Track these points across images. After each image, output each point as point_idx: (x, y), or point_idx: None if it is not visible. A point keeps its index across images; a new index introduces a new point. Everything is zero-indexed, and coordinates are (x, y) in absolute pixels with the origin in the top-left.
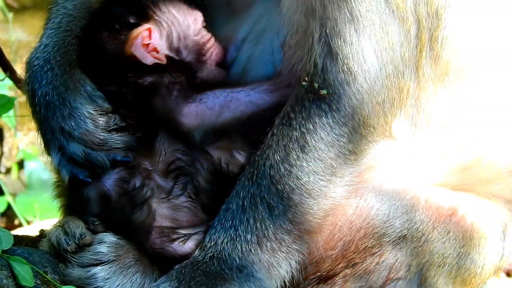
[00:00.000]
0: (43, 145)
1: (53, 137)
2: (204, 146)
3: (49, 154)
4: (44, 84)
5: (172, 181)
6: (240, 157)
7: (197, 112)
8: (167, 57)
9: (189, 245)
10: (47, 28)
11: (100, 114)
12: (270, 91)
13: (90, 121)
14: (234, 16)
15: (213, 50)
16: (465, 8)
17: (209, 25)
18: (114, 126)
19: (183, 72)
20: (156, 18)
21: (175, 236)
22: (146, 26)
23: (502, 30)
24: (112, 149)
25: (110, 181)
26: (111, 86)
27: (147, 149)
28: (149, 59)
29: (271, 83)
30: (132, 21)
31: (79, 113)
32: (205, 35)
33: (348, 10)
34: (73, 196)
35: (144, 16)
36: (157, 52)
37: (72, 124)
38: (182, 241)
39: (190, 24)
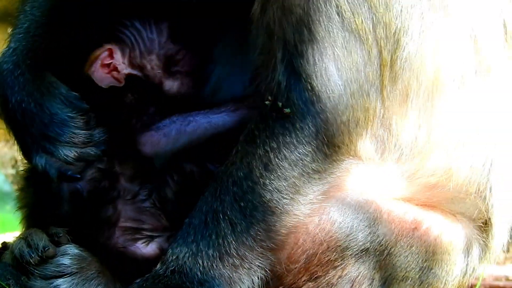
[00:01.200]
0: (21, 151)
1: (34, 144)
2: (176, 159)
3: (29, 159)
4: (17, 90)
5: (138, 186)
6: (213, 169)
7: (152, 141)
8: (130, 75)
9: (152, 247)
10: (15, 33)
11: (79, 114)
12: (230, 111)
13: (73, 124)
14: (208, 35)
15: (183, 61)
16: (423, 31)
17: (182, 33)
18: (94, 124)
19: (147, 89)
20: (119, 34)
21: (138, 236)
22: (106, 46)
23: (460, 52)
24: (99, 142)
25: (83, 181)
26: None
27: (119, 152)
28: (106, 82)
29: (232, 104)
30: (95, 38)
31: (60, 119)
32: (173, 48)
33: (307, 30)
34: (44, 197)
35: (107, 32)
36: (118, 72)
37: (56, 130)
38: (144, 242)
39: (155, 38)
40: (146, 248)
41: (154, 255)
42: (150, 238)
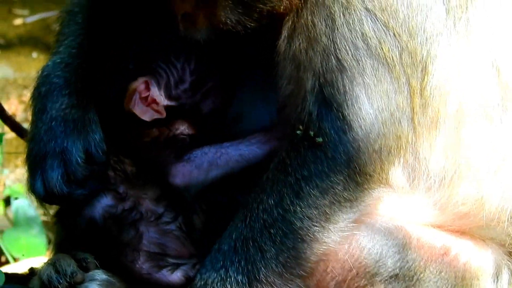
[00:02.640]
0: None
1: (39, 160)
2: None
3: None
4: (58, 107)
5: (163, 208)
6: (242, 200)
7: (184, 173)
8: (168, 107)
9: (177, 275)
10: (66, 45)
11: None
12: (261, 143)
13: (73, 169)
14: (231, 64)
15: (213, 76)
16: (449, 59)
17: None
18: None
19: (186, 118)
20: (153, 67)
21: (163, 263)
22: (142, 79)
23: (484, 81)
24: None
25: (97, 208)
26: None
27: (142, 179)
28: (148, 115)
29: (263, 136)
30: (131, 70)
31: (68, 158)
32: (201, 69)
33: (334, 59)
34: (66, 227)
35: (142, 65)
36: (157, 104)
37: (54, 163)
38: (170, 269)
39: (185, 66)
40: (172, 276)
41: (180, 283)
42: (176, 266)
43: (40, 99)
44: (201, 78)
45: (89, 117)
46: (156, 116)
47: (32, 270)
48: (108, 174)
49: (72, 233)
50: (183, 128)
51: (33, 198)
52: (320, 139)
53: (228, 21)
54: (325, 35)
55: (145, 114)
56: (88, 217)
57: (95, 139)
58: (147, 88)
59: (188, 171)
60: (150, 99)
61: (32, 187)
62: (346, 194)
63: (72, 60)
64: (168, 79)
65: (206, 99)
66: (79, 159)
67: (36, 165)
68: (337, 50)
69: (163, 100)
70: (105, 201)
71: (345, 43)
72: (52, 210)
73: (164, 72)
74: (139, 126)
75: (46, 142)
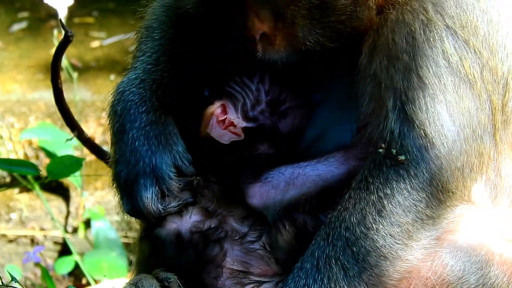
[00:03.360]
0: (113, 180)
1: (127, 182)
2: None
3: (120, 190)
4: (137, 126)
5: (247, 227)
6: (325, 219)
7: (261, 193)
8: (245, 129)
9: None
10: (142, 61)
11: (179, 177)
12: (339, 162)
13: (166, 184)
14: (309, 83)
15: (289, 96)
16: None
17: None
18: (187, 187)
19: (264, 138)
20: (229, 90)
21: (246, 281)
22: (219, 102)
23: None
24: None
25: (185, 223)
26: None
27: (227, 197)
28: (226, 137)
29: (341, 155)
30: (206, 95)
31: (160, 175)
32: (277, 89)
33: (415, 77)
34: (149, 241)
35: (217, 91)
36: (234, 126)
37: (147, 183)
38: (252, 287)
39: (260, 87)
40: None
41: None
42: (258, 284)
43: (118, 118)
44: (277, 98)
45: (169, 131)
46: (234, 138)
47: None
48: (196, 190)
49: (157, 248)
50: (263, 148)
51: (126, 218)
52: (402, 157)
53: (307, 42)
54: (406, 53)
55: (223, 137)
56: (175, 231)
57: (179, 151)
58: (224, 112)
59: (265, 192)
60: (228, 122)
61: (127, 208)
62: (428, 212)
63: (147, 76)
64: (244, 101)
65: (284, 119)
66: (170, 173)
67: (128, 187)
68: (418, 67)
69: (240, 122)
70: (193, 217)
71: (426, 60)
72: (133, 232)
73: (240, 95)
74: (218, 147)
75: (134, 164)
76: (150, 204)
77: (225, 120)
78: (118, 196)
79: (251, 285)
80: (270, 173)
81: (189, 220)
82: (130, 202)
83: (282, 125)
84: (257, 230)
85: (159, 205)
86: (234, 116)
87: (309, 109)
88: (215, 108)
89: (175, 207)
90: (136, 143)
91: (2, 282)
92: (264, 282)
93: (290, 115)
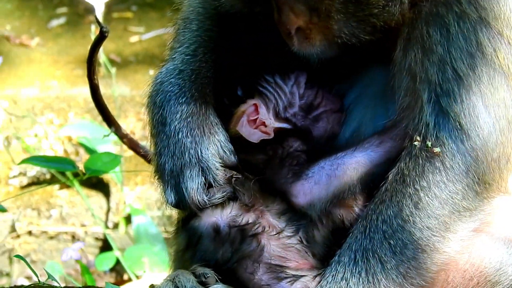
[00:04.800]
0: (156, 173)
1: (172, 174)
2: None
3: (164, 182)
4: (178, 118)
5: (284, 223)
6: (361, 213)
7: (304, 191)
8: (277, 129)
9: (297, 286)
10: (180, 52)
11: (224, 167)
12: (375, 145)
13: (213, 175)
14: (344, 78)
15: (323, 101)
16: None
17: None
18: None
19: (297, 137)
20: (261, 89)
21: (283, 275)
22: (251, 102)
23: None
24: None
25: (224, 217)
26: None
27: (264, 193)
28: (256, 136)
29: (376, 138)
30: (239, 95)
31: (206, 166)
32: (311, 93)
33: (450, 69)
34: (186, 234)
35: (250, 89)
36: (265, 126)
37: (193, 174)
38: (289, 281)
39: (294, 90)
40: None
41: None
42: (295, 278)
43: (158, 110)
44: (311, 102)
45: (211, 121)
46: (264, 137)
47: (152, 286)
48: (235, 184)
49: (193, 241)
50: (296, 145)
51: (168, 210)
52: (438, 149)
53: (342, 35)
54: (440, 45)
55: (253, 136)
56: (213, 225)
57: (221, 141)
58: (256, 111)
59: (308, 189)
60: (259, 122)
61: (171, 200)
62: (465, 204)
63: (186, 67)
64: (276, 102)
65: (317, 123)
66: (216, 163)
67: (173, 178)
68: (453, 59)
69: (272, 123)
70: (232, 211)
71: (460, 52)
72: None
73: (272, 95)
74: (251, 145)
75: (179, 155)
76: (195, 194)
77: (256, 120)
78: (161, 187)
79: (288, 279)
80: (310, 169)
81: (227, 214)
82: (174, 193)
83: (315, 129)
84: (293, 225)
85: (204, 196)
86: (265, 116)
87: (342, 114)
88: (247, 107)
89: (219, 198)
90: (180, 135)
91: (39, 280)
92: (301, 276)
93: (323, 120)
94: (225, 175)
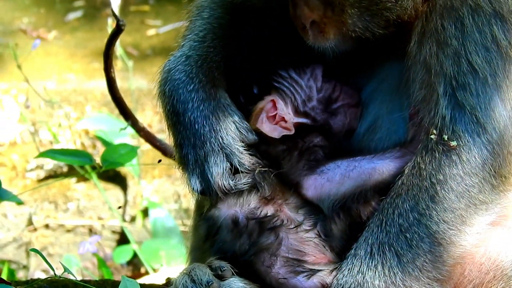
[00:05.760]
0: (180, 166)
1: (196, 165)
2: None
3: (187, 178)
4: (191, 108)
5: (302, 216)
6: (378, 207)
7: (316, 186)
8: (297, 124)
9: (314, 281)
10: (189, 39)
11: (246, 149)
12: (395, 157)
13: (238, 158)
14: (360, 73)
15: (341, 95)
16: None
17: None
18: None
19: (317, 132)
20: (278, 86)
21: (300, 269)
22: (269, 98)
23: None
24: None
25: (243, 209)
26: None
27: (283, 186)
28: (277, 132)
29: (397, 150)
30: (255, 92)
31: (229, 151)
32: (329, 87)
33: (465, 62)
34: (206, 224)
35: (266, 86)
36: (285, 121)
37: (217, 160)
38: (306, 275)
39: (312, 84)
40: (308, 282)
41: None
42: (312, 272)
43: (168, 100)
44: (329, 96)
45: (223, 104)
46: (285, 132)
47: (169, 280)
48: (255, 177)
49: (212, 231)
50: (317, 140)
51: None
52: (454, 143)
53: (356, 28)
54: (455, 38)
55: (274, 132)
56: (232, 216)
57: (236, 121)
58: (274, 107)
59: (320, 184)
60: (279, 118)
61: (196, 187)
62: (481, 197)
63: (193, 53)
64: (294, 97)
65: (335, 117)
66: (239, 147)
67: (198, 167)
68: (468, 52)
69: (291, 118)
70: (251, 203)
71: (475, 46)
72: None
73: (289, 90)
74: (271, 140)
75: (201, 145)
76: (221, 179)
77: (275, 116)
78: (186, 176)
79: (305, 274)
80: (326, 166)
81: (247, 206)
82: (200, 180)
83: (334, 122)
84: (311, 219)
85: (230, 181)
86: (284, 112)
87: (359, 109)
88: (265, 104)
89: (245, 184)
90: (196, 126)
91: (54, 274)
92: (318, 270)
93: (341, 114)
94: (250, 159)
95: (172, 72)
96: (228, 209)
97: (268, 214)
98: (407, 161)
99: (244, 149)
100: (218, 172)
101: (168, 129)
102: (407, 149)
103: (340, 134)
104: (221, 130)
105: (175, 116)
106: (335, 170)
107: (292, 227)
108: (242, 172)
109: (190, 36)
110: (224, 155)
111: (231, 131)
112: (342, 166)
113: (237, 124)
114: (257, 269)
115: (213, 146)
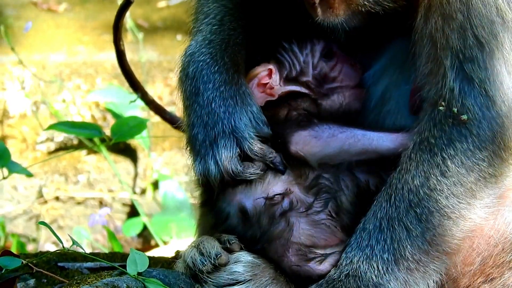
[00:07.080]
0: (188, 143)
1: (203, 144)
2: (351, 169)
3: (196, 153)
4: (211, 88)
5: (313, 197)
6: (386, 177)
7: (303, 141)
8: (286, 92)
9: (325, 265)
10: (207, 23)
11: (258, 138)
12: (390, 134)
13: (248, 145)
14: (368, 50)
15: (339, 76)
16: None
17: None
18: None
19: (307, 99)
20: (279, 56)
21: (312, 255)
22: (267, 66)
23: None
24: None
25: (250, 198)
26: None
27: (292, 167)
28: (259, 100)
29: (394, 131)
30: (258, 58)
31: (241, 136)
32: (326, 66)
33: (471, 35)
34: (213, 214)
35: (269, 53)
36: (271, 89)
37: (227, 143)
38: (318, 261)
39: (309, 59)
40: (320, 267)
41: (327, 272)
42: (324, 257)
43: (190, 81)
44: (326, 74)
45: (243, 91)
46: (268, 99)
47: (178, 253)
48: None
49: (221, 221)
50: (306, 105)
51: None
52: (465, 116)
53: (366, 2)
54: (460, 12)
55: (259, 99)
56: (240, 206)
57: (253, 111)
58: (269, 76)
59: (306, 140)
60: (268, 86)
61: (201, 170)
62: (491, 170)
63: (215, 37)
64: (290, 70)
65: (331, 95)
66: (251, 133)
67: (205, 148)
68: (473, 26)
69: (279, 90)
70: (261, 188)
71: (481, 19)
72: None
73: (287, 63)
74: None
75: (213, 125)
76: (229, 163)
77: (266, 84)
78: (192, 158)
79: (317, 259)
80: (318, 126)
81: (256, 194)
82: (205, 163)
83: (328, 100)
84: (322, 199)
85: (239, 166)
86: (276, 83)
87: (362, 90)
88: (262, 70)
89: (252, 174)
90: (213, 105)
91: (63, 246)
92: (329, 254)
93: (338, 94)
94: (261, 146)
95: (196, 55)
96: (235, 198)
97: (276, 193)
98: (397, 144)
99: (256, 136)
100: (227, 156)
101: (184, 110)
102: (405, 134)
103: (338, 113)
104: (236, 114)
105: (194, 95)
106: (325, 129)
107: (302, 210)
108: (251, 159)
109: (206, 20)
110: (235, 139)
111: (245, 118)
112: (333, 128)
113: (254, 115)
114: (270, 258)
115: (224, 128)
